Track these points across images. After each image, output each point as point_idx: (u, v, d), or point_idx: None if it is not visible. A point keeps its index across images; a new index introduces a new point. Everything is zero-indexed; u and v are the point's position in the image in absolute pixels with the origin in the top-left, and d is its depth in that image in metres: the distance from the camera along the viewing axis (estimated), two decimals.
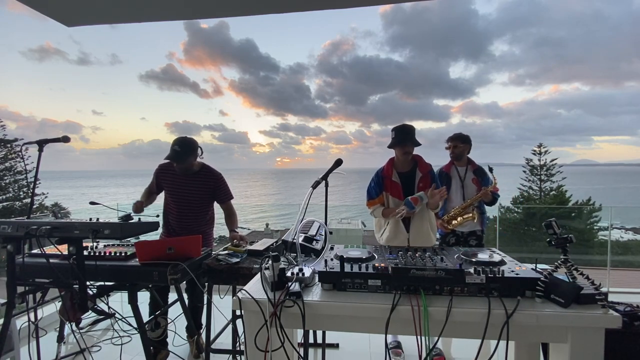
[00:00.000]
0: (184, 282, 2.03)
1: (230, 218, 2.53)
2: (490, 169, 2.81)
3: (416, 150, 2.34)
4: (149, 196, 2.49)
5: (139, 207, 2.31)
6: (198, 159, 2.44)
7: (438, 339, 1.22)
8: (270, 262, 1.34)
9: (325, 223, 1.91)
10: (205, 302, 2.34)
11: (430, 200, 2.14)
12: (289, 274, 1.41)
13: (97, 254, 1.89)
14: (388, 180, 2.34)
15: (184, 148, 2.29)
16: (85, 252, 1.83)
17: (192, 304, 2.49)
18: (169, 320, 2.40)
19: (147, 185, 2.52)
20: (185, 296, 2.43)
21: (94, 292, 1.73)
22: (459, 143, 2.76)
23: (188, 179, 2.39)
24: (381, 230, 2.44)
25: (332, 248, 1.72)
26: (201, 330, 2.52)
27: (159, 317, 2.29)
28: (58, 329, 2.32)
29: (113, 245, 2.13)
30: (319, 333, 2.39)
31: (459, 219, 2.68)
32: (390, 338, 2.47)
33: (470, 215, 2.67)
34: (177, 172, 2.39)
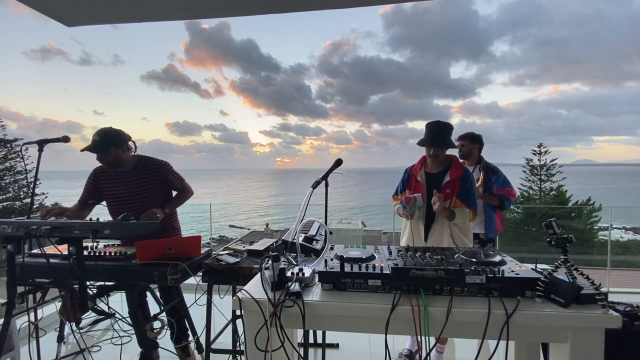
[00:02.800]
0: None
1: (179, 195, 2.33)
2: (480, 168, 2.71)
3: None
4: (81, 211, 2.20)
5: (52, 213, 1.94)
6: (130, 154, 2.21)
7: (437, 341, 1.22)
8: (270, 262, 1.34)
9: (325, 223, 1.91)
10: (182, 303, 2.25)
11: (433, 206, 1.97)
12: (289, 274, 1.41)
13: (97, 254, 1.89)
14: (413, 178, 2.19)
15: (104, 137, 2.06)
16: (85, 252, 1.83)
17: (170, 309, 2.29)
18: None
19: (80, 197, 2.23)
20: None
21: (94, 292, 1.73)
22: (467, 142, 2.70)
23: (128, 177, 2.18)
24: (404, 232, 2.29)
25: (332, 248, 1.71)
26: (189, 337, 2.36)
27: (158, 318, 2.28)
28: (58, 329, 2.31)
29: (113, 245, 2.13)
30: (319, 333, 2.39)
31: None
32: (408, 344, 2.38)
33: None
34: (114, 173, 2.19)
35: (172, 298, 2.28)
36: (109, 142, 2.08)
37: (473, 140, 2.72)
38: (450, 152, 2.20)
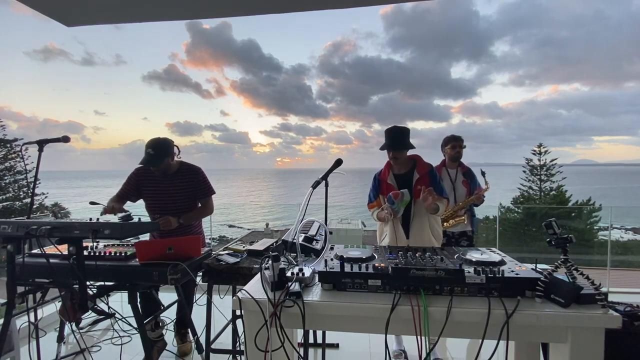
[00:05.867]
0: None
1: (201, 210, 2.43)
2: (483, 173, 2.81)
3: (417, 151, 2.29)
4: (120, 202, 2.37)
5: (111, 211, 2.17)
6: (176, 158, 2.37)
7: (438, 340, 1.22)
8: (270, 262, 1.34)
9: (325, 223, 1.91)
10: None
11: (423, 203, 2.04)
12: (289, 274, 1.41)
13: (97, 254, 1.89)
14: (384, 183, 2.28)
15: (158, 150, 2.23)
16: (85, 252, 1.83)
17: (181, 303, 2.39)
18: (167, 320, 2.40)
19: (118, 192, 2.38)
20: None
21: (94, 292, 1.73)
22: (462, 143, 2.78)
23: (170, 180, 2.35)
24: (382, 236, 2.36)
25: (332, 248, 1.72)
26: (188, 333, 2.45)
27: (158, 318, 2.28)
28: (58, 329, 2.32)
29: (113, 245, 2.13)
30: (319, 333, 2.39)
31: (450, 221, 2.70)
32: (395, 346, 2.43)
33: (462, 217, 2.69)
34: (157, 174, 2.33)
35: (186, 294, 2.34)
36: (163, 155, 2.24)
37: (463, 143, 2.82)
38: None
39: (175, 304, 2.34)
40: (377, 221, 2.39)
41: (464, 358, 2.43)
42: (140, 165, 2.33)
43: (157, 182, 2.35)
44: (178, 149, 2.38)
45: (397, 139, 2.18)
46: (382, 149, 2.23)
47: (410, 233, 2.22)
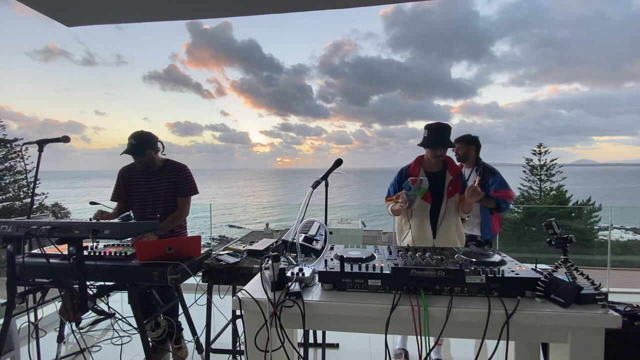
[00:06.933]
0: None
1: (176, 215, 2.31)
2: (477, 170, 2.68)
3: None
4: (120, 209, 2.37)
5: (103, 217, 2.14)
6: (160, 155, 2.35)
7: (438, 340, 1.22)
8: (270, 262, 1.34)
9: (325, 223, 1.91)
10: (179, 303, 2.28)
11: (469, 200, 2.05)
12: (289, 274, 1.41)
13: (97, 254, 1.88)
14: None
15: (140, 140, 2.21)
16: (85, 252, 1.83)
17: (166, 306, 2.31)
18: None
19: (115, 199, 2.36)
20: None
21: (94, 292, 1.73)
22: (462, 144, 2.70)
23: (153, 176, 2.32)
24: (403, 235, 2.26)
25: (332, 248, 1.71)
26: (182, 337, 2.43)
27: (158, 318, 2.28)
28: (58, 329, 2.32)
29: (113, 245, 2.13)
30: (319, 333, 2.39)
31: None
32: (398, 344, 2.42)
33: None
34: (141, 170, 2.31)
35: (168, 298, 2.29)
36: (145, 145, 2.21)
37: (468, 142, 2.70)
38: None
39: (175, 305, 2.34)
40: (392, 215, 2.33)
41: (463, 358, 2.43)
42: (125, 165, 2.33)
43: (140, 177, 2.33)
44: (162, 144, 2.34)
45: (443, 135, 2.13)
46: (422, 145, 2.18)
47: (437, 233, 2.18)
